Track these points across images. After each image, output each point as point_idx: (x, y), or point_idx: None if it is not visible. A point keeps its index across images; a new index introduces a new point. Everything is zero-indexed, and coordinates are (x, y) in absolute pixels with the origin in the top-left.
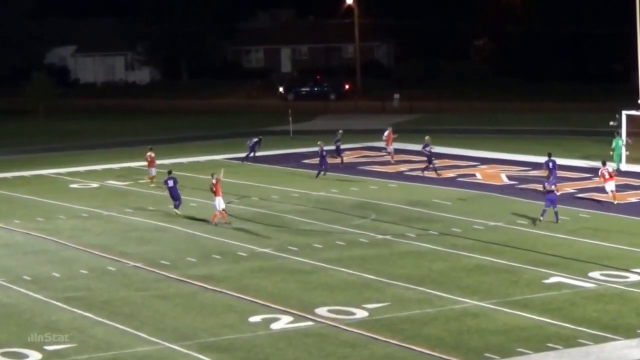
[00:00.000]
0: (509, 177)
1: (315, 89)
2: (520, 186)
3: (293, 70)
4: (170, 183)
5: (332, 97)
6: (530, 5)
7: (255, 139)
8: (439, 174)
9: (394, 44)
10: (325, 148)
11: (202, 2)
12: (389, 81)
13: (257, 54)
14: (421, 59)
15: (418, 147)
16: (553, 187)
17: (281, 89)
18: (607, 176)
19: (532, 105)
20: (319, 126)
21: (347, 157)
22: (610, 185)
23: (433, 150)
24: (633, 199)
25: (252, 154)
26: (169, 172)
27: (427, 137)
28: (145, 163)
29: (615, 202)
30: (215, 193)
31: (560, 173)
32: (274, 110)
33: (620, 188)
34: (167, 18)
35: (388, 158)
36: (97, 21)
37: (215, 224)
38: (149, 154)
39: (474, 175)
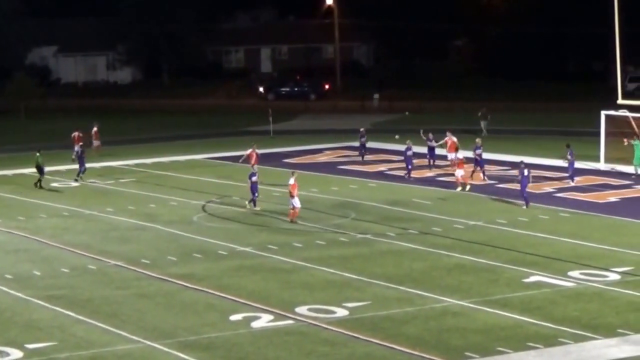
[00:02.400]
0: (489, 177)
1: (295, 89)
2: (499, 185)
3: (273, 70)
4: (254, 178)
5: (312, 97)
6: (509, 6)
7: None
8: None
9: (373, 44)
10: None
11: (183, 2)
12: (369, 81)
13: (237, 54)
14: (401, 59)
15: (397, 147)
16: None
17: (261, 89)
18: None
19: (511, 105)
20: (299, 126)
21: (326, 157)
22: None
23: (414, 152)
24: (613, 199)
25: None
26: (253, 166)
27: (409, 140)
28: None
29: (459, 189)
30: (291, 194)
31: (539, 172)
32: (254, 110)
33: (600, 188)
34: (148, 18)
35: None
36: (78, 21)
37: (291, 221)
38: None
39: (453, 174)
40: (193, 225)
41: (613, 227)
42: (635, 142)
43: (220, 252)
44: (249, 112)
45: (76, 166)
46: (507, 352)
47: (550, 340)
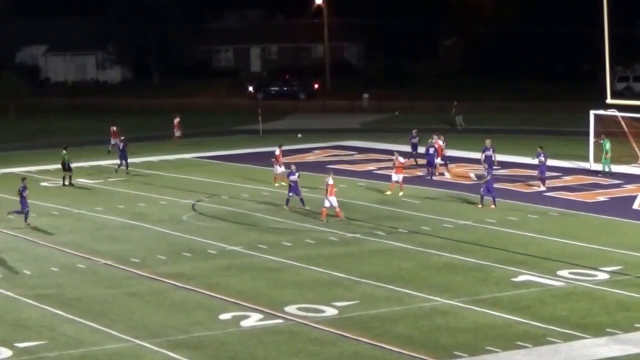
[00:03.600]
0: (478, 176)
1: (285, 88)
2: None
3: (262, 69)
4: (294, 178)
5: (302, 96)
6: (498, 6)
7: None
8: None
9: (363, 44)
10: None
11: (172, 2)
12: (358, 81)
13: (227, 54)
14: (390, 58)
15: (386, 146)
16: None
17: (250, 89)
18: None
19: (500, 104)
20: (289, 125)
21: (316, 156)
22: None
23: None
24: (601, 198)
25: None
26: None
27: (414, 131)
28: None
29: (389, 192)
30: (328, 193)
31: (528, 172)
32: (243, 109)
33: (589, 187)
34: (138, 18)
35: (360, 157)
36: (68, 20)
37: (324, 220)
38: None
39: (442, 174)
40: (182, 224)
41: (602, 226)
42: (604, 141)
43: (209, 251)
44: (238, 112)
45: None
46: (496, 351)
47: (539, 339)
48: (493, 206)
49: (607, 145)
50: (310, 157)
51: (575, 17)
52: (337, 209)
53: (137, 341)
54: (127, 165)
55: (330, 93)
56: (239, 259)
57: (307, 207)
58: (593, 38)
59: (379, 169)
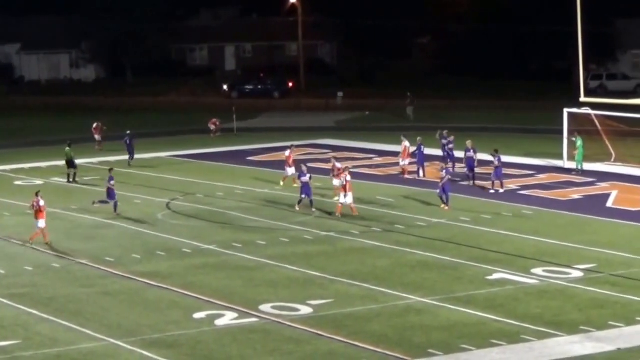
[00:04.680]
0: (453, 175)
1: (259, 86)
2: (462, 183)
3: (237, 68)
4: (305, 179)
5: (276, 94)
6: (473, 4)
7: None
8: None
9: (337, 42)
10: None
11: (147, 0)
12: (333, 79)
13: (201, 52)
14: (365, 57)
15: (361, 144)
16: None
17: (225, 87)
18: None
19: (475, 103)
20: (263, 124)
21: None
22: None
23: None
24: (575, 196)
25: None
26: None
27: (419, 138)
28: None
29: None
30: (344, 189)
31: (503, 170)
32: (218, 108)
33: (563, 185)
34: (112, 16)
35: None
36: (42, 19)
37: (339, 215)
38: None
39: (416, 172)
40: (157, 223)
41: (576, 224)
42: (576, 139)
43: (184, 250)
44: (212, 110)
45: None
46: (471, 349)
47: (513, 337)
48: (446, 207)
49: (579, 143)
50: (285, 156)
51: (549, 16)
52: (350, 206)
53: (112, 340)
54: (131, 158)
55: (305, 91)
56: (214, 258)
57: (314, 210)
58: (567, 37)
59: (354, 167)
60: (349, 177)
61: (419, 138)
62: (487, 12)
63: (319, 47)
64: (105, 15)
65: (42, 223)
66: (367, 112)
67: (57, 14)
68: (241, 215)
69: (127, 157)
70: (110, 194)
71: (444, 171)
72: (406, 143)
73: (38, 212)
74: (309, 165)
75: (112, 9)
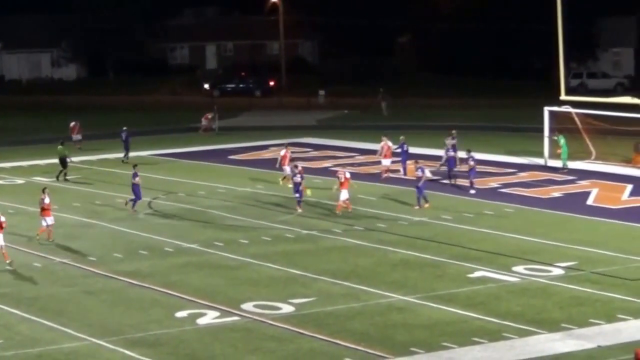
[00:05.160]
0: (433, 173)
1: (241, 85)
2: (443, 181)
3: (218, 67)
4: (297, 179)
5: (258, 93)
6: (453, 3)
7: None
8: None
9: (318, 41)
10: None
11: None
12: (314, 78)
13: (183, 51)
14: (346, 55)
15: (342, 143)
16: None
17: (206, 86)
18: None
19: (456, 101)
20: (245, 123)
21: (272, 153)
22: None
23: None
24: (556, 194)
25: None
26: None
27: (401, 137)
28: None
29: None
30: (342, 186)
31: (483, 168)
32: (199, 106)
33: (543, 183)
34: (93, 15)
35: (316, 154)
36: (22, 18)
37: (339, 213)
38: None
39: (398, 170)
40: (139, 222)
41: (557, 222)
42: (558, 137)
43: (166, 248)
44: (194, 109)
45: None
46: (452, 347)
47: (494, 335)
48: (417, 207)
49: (562, 141)
50: (266, 154)
51: (530, 14)
52: (348, 202)
53: (94, 339)
54: (126, 155)
55: (286, 90)
56: (196, 257)
57: (300, 211)
58: (547, 35)
59: (335, 165)
60: (348, 174)
61: (401, 137)
62: (468, 11)
63: (301, 45)
64: (86, 14)
65: (50, 220)
66: (345, 111)
67: (38, 13)
68: (223, 214)
69: (119, 154)
70: (135, 190)
71: (419, 170)
72: (388, 143)
73: (45, 210)
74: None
75: (93, 7)
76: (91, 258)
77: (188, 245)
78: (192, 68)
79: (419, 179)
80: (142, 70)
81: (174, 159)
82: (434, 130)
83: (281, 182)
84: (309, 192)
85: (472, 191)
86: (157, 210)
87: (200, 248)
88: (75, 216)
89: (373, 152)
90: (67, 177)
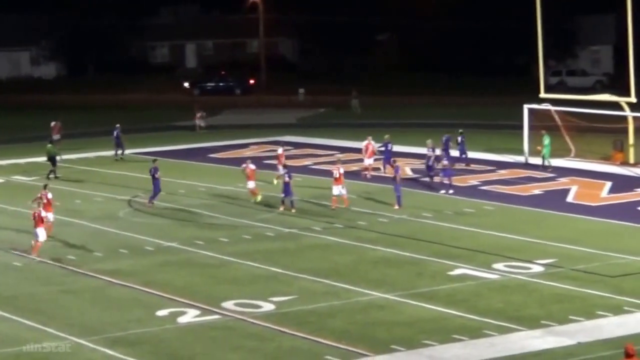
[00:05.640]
0: (414, 170)
1: (221, 84)
2: (424, 179)
3: (198, 65)
4: (287, 178)
5: (238, 92)
6: (434, 0)
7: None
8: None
9: (298, 39)
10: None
11: None
12: (294, 76)
13: (162, 50)
14: (326, 53)
15: (323, 141)
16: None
17: (186, 84)
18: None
19: (436, 98)
20: (225, 121)
21: (252, 151)
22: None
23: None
24: (536, 191)
25: None
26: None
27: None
28: None
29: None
30: (336, 181)
31: (463, 166)
32: (179, 105)
33: (523, 180)
34: (73, 13)
35: (296, 152)
36: (1, 16)
37: (334, 208)
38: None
39: (378, 168)
40: (119, 221)
41: (536, 219)
42: (544, 136)
43: (146, 247)
44: (174, 108)
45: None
46: (433, 345)
47: (475, 332)
48: (396, 206)
49: (547, 141)
50: (246, 152)
51: (510, 12)
52: (345, 197)
53: (74, 339)
54: (122, 152)
55: (266, 88)
56: (176, 255)
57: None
58: (527, 33)
59: (315, 164)
60: (342, 170)
61: (386, 136)
62: (448, 9)
63: (280, 44)
64: (66, 12)
65: (51, 216)
66: (321, 109)
67: (17, 11)
68: (203, 213)
69: (99, 153)
70: (156, 184)
71: (396, 169)
72: (372, 142)
73: (47, 205)
74: (271, 162)
75: (72, 5)
76: (71, 257)
77: (168, 243)
78: (172, 67)
79: (395, 178)
80: (122, 69)
81: (154, 157)
82: (411, 129)
83: (275, 182)
84: (275, 181)
85: (451, 191)
86: (138, 209)
87: (181, 247)
88: (55, 215)
89: (353, 149)
90: (57, 176)
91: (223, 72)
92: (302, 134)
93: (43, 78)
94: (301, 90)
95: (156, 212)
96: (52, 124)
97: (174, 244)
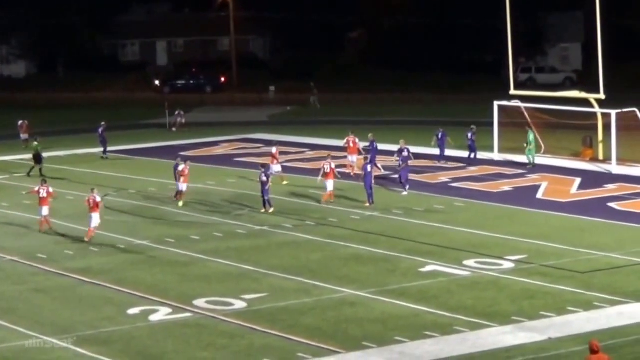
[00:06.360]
0: (384, 168)
1: (192, 81)
2: (395, 176)
3: (169, 63)
4: (263, 178)
5: (209, 89)
6: None
7: None
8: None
9: (269, 37)
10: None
11: None
12: (265, 73)
13: (133, 48)
14: (296, 51)
15: (293, 138)
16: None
17: (157, 82)
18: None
19: (406, 96)
20: (196, 119)
21: (223, 149)
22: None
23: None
24: (506, 188)
25: None
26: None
27: (370, 134)
28: None
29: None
30: (327, 176)
31: (434, 163)
32: (150, 103)
33: (494, 177)
34: (42, 11)
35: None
36: None
37: (324, 203)
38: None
39: (333, 168)
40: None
41: (507, 216)
42: (528, 133)
43: (117, 245)
44: (145, 105)
45: None
46: (404, 341)
47: (446, 328)
48: (367, 204)
49: (531, 137)
50: (217, 150)
51: (480, 10)
52: (331, 192)
53: (45, 337)
54: (105, 150)
55: (237, 86)
56: (147, 253)
57: (263, 211)
58: (497, 30)
59: (286, 161)
60: (333, 165)
61: (370, 135)
62: (418, 7)
63: (251, 41)
64: (36, 10)
65: (96, 218)
66: (288, 107)
67: None
68: (174, 211)
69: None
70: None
71: (369, 166)
72: (355, 139)
73: (94, 207)
74: (242, 160)
75: (42, 3)
76: (41, 255)
77: (139, 242)
78: (143, 64)
79: (365, 175)
80: (92, 66)
81: (125, 155)
82: (381, 126)
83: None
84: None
85: (404, 192)
86: (108, 207)
87: (152, 245)
88: (25, 214)
89: (324, 147)
90: (43, 174)
91: (194, 70)
92: (273, 132)
93: (13, 77)
94: (272, 88)
95: (127, 210)
96: (20, 122)
97: (145, 242)
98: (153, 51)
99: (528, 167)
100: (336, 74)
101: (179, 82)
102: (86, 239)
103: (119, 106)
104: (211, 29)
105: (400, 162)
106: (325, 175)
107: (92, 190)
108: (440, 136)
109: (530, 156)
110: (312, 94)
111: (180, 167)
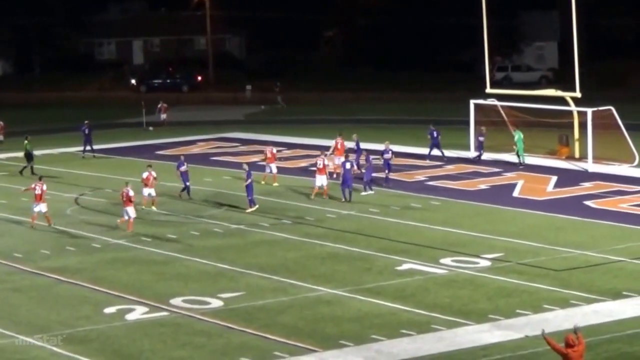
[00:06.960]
0: (359, 165)
1: (168, 80)
2: (382, 175)
3: (145, 62)
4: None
5: (185, 88)
6: None
7: None
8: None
9: (245, 36)
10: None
11: None
12: (241, 73)
13: (109, 47)
14: (273, 50)
15: (270, 137)
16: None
17: (133, 81)
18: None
19: (382, 95)
20: (172, 118)
21: (199, 148)
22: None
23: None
24: (483, 186)
25: None
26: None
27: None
28: None
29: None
30: (319, 172)
31: (410, 161)
32: (126, 102)
33: (470, 175)
34: (18, 10)
35: (243, 149)
36: None
37: (313, 197)
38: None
39: (327, 165)
40: (66, 219)
41: (483, 214)
42: (515, 132)
43: (94, 244)
44: (121, 105)
45: None
46: (381, 340)
47: (423, 326)
48: (343, 199)
49: (517, 136)
50: (194, 149)
51: (456, 8)
52: (326, 188)
53: (22, 337)
54: (92, 149)
55: (214, 85)
56: (124, 252)
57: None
58: (473, 29)
59: (263, 160)
60: (326, 161)
61: (354, 135)
62: (394, 5)
63: (228, 40)
64: (11, 9)
65: (132, 212)
66: (262, 107)
67: None
68: (151, 209)
69: (45, 151)
70: (184, 177)
71: (348, 163)
72: (342, 141)
73: (127, 201)
74: (218, 159)
75: (17, 2)
76: (17, 255)
77: (116, 241)
78: (119, 63)
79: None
80: (68, 66)
81: (101, 154)
82: (358, 125)
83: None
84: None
85: (370, 192)
86: (84, 207)
87: (128, 244)
88: (1, 213)
89: (300, 146)
90: (34, 172)
91: (170, 69)
92: (250, 131)
93: None
94: (248, 87)
95: (103, 210)
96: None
97: (121, 241)
98: (129, 50)
99: (520, 167)
100: (312, 73)
101: (156, 81)
102: (129, 230)
103: (95, 105)
104: (187, 27)
105: (367, 163)
106: (318, 170)
107: (127, 184)
108: (435, 135)
109: (520, 156)
110: (277, 94)
111: (145, 174)
